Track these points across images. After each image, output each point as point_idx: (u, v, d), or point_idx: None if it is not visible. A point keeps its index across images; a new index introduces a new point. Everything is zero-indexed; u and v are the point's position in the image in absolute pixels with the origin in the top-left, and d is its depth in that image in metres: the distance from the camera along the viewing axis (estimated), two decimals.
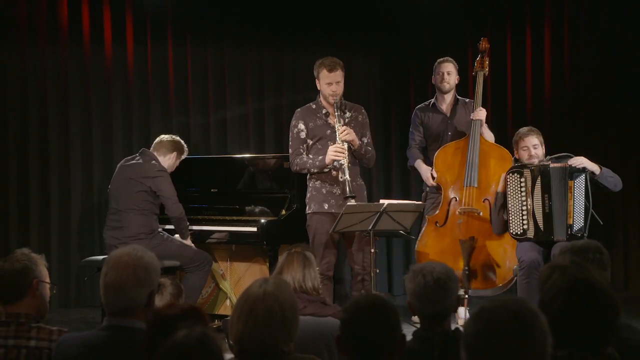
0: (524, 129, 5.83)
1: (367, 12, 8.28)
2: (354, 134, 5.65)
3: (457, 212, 6.05)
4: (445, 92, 6.44)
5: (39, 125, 7.44)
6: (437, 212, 6.13)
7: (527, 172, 5.60)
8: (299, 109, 5.89)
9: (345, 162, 5.54)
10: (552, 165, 5.57)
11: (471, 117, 6.16)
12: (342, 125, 5.64)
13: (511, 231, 5.66)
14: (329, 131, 5.74)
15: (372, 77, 8.43)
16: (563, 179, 5.54)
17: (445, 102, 6.47)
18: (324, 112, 5.78)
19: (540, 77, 8.03)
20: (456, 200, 6.07)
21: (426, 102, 6.59)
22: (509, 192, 5.67)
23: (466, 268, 5.71)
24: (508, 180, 5.66)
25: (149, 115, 7.76)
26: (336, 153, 5.55)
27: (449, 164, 6.16)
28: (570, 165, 5.56)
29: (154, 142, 6.24)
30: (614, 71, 7.83)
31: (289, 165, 5.90)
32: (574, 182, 5.52)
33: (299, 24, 8.17)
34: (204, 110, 7.99)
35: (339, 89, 5.71)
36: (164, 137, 6.25)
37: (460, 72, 6.54)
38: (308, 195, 5.80)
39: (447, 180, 6.15)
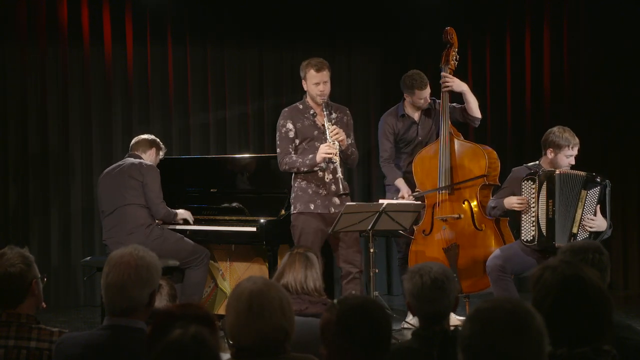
0: (566, 136, 5.48)
1: (367, 12, 8.28)
2: (344, 134, 5.63)
3: (437, 220, 6.03)
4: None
5: (39, 125, 7.44)
6: (423, 220, 6.07)
7: (536, 179, 5.49)
8: (286, 109, 5.86)
9: (337, 160, 5.53)
10: (557, 171, 5.44)
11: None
12: (332, 125, 5.62)
13: (522, 238, 5.55)
14: (316, 132, 5.72)
15: (371, 77, 8.42)
16: (573, 187, 5.42)
17: (416, 110, 6.35)
18: (311, 112, 5.75)
19: (539, 76, 8.02)
20: (438, 205, 6.06)
21: (393, 110, 6.43)
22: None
23: (454, 275, 5.69)
24: (523, 187, 5.56)
25: (148, 115, 7.76)
26: (328, 152, 5.53)
27: (427, 169, 6.11)
28: (587, 174, 5.43)
29: (132, 143, 6.21)
30: (613, 70, 7.83)
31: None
32: (588, 193, 5.40)
33: (298, 24, 8.16)
34: (204, 110, 7.99)
35: (327, 88, 5.68)
36: (141, 136, 6.26)
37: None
38: (293, 195, 5.76)
39: (428, 186, 6.11)
